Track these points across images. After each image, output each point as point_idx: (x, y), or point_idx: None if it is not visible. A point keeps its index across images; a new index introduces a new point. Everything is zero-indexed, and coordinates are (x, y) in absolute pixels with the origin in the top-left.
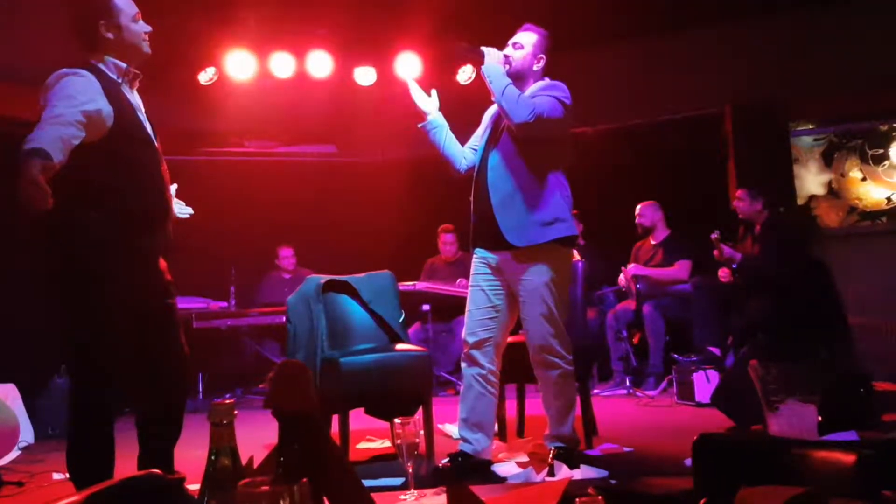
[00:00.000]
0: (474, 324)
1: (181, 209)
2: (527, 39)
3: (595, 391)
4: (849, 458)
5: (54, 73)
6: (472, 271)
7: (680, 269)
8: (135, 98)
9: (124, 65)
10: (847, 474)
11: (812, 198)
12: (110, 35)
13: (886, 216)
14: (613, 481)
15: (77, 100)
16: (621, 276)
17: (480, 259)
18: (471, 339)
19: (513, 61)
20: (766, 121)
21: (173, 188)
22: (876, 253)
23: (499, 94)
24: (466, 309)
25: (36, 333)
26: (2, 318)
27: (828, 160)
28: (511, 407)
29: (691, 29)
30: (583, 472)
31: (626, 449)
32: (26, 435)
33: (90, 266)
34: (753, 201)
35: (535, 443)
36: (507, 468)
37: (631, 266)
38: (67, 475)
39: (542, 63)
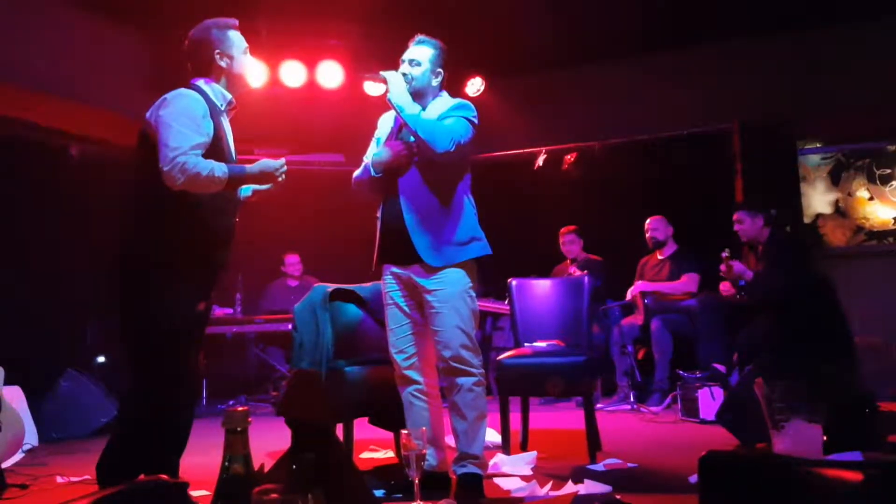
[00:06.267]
0: (399, 342)
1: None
2: (423, 55)
3: (599, 406)
4: (855, 477)
5: (172, 91)
6: (384, 289)
7: (689, 282)
8: (227, 126)
9: (230, 96)
10: (853, 494)
11: (819, 216)
12: (223, 64)
13: (893, 236)
14: (618, 497)
15: (202, 128)
16: (630, 291)
17: (390, 275)
18: (399, 358)
19: (411, 80)
20: (774, 138)
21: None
22: (882, 273)
23: (412, 123)
24: (387, 329)
25: (42, 336)
26: (7, 321)
27: (835, 179)
28: (515, 420)
29: (700, 45)
30: (587, 488)
31: (630, 465)
32: (31, 438)
33: (163, 276)
34: (754, 219)
35: (538, 456)
36: (510, 482)
37: (638, 283)
38: (95, 475)
39: (440, 78)
